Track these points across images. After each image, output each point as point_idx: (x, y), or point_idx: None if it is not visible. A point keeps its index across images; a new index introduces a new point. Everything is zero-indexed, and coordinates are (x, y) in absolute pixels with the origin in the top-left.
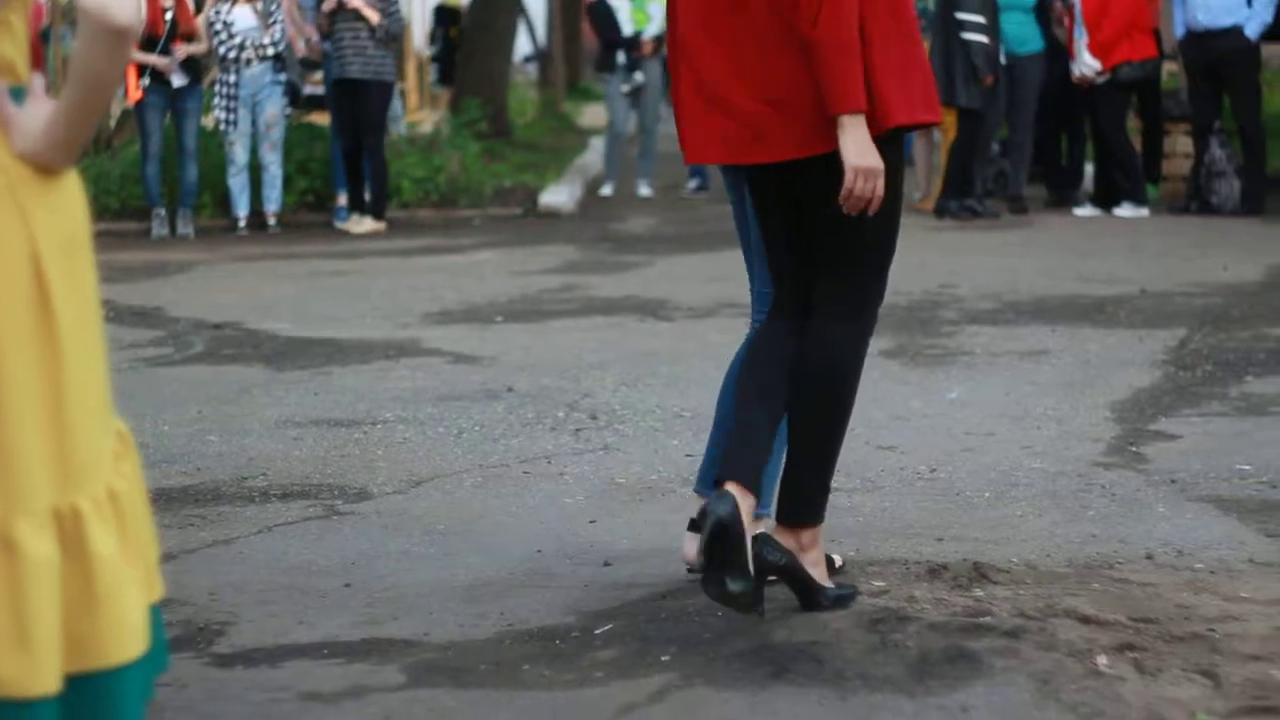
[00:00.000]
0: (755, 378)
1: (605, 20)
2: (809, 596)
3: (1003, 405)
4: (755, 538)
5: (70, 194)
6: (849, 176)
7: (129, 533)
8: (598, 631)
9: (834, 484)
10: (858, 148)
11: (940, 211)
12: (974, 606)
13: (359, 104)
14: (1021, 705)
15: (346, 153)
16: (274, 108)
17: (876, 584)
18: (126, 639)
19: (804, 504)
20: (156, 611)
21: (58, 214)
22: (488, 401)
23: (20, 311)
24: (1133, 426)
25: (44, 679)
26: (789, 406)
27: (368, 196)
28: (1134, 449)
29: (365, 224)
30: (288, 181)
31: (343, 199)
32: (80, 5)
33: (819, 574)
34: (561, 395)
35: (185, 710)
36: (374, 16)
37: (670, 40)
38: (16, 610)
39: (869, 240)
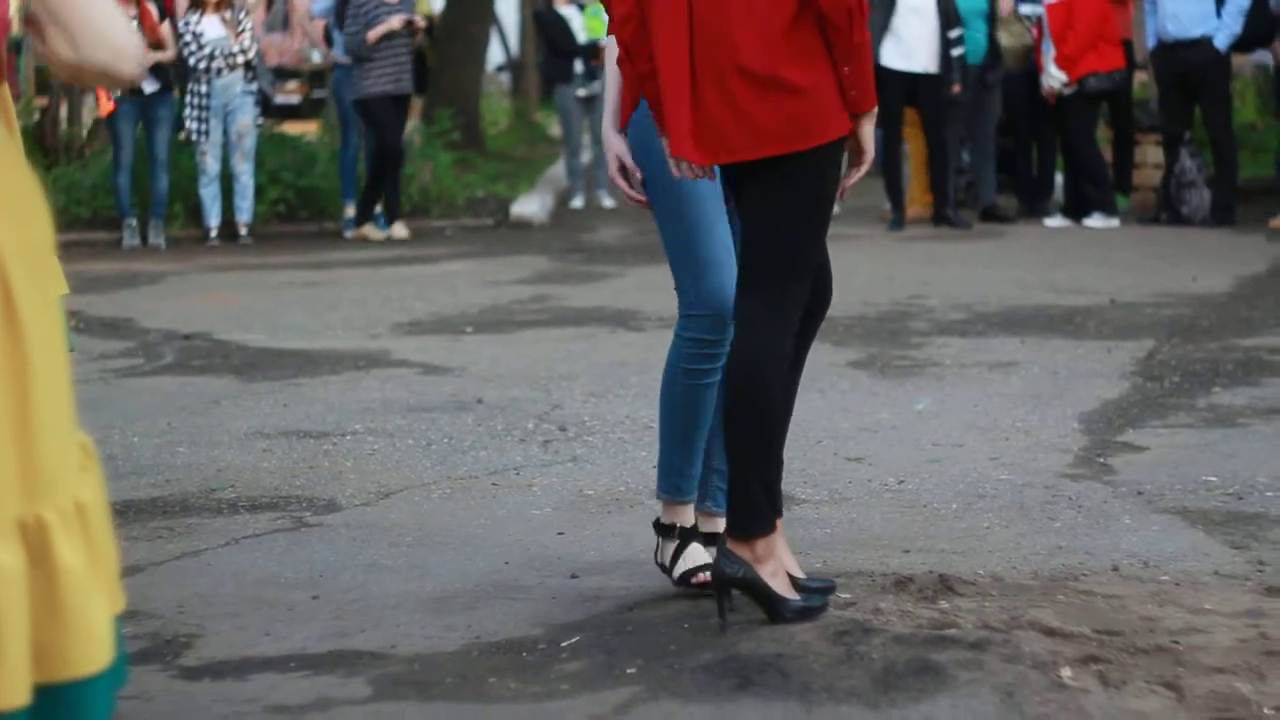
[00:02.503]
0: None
1: (559, 30)
2: (771, 608)
3: (971, 416)
4: (717, 550)
5: (32, 203)
6: (866, 168)
7: (95, 544)
8: (564, 644)
9: (801, 495)
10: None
11: (940, 219)
12: (939, 619)
13: (400, 116)
14: (985, 717)
15: (380, 164)
16: (245, 117)
17: (843, 596)
18: (94, 649)
19: (751, 514)
20: (117, 625)
21: (22, 224)
22: (457, 413)
23: None
24: (1100, 438)
25: (13, 691)
26: (722, 416)
27: (379, 207)
28: (1101, 460)
29: (400, 230)
30: (259, 191)
31: (351, 210)
32: (87, 63)
33: (779, 584)
34: (531, 406)
35: None
36: (420, 22)
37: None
38: None
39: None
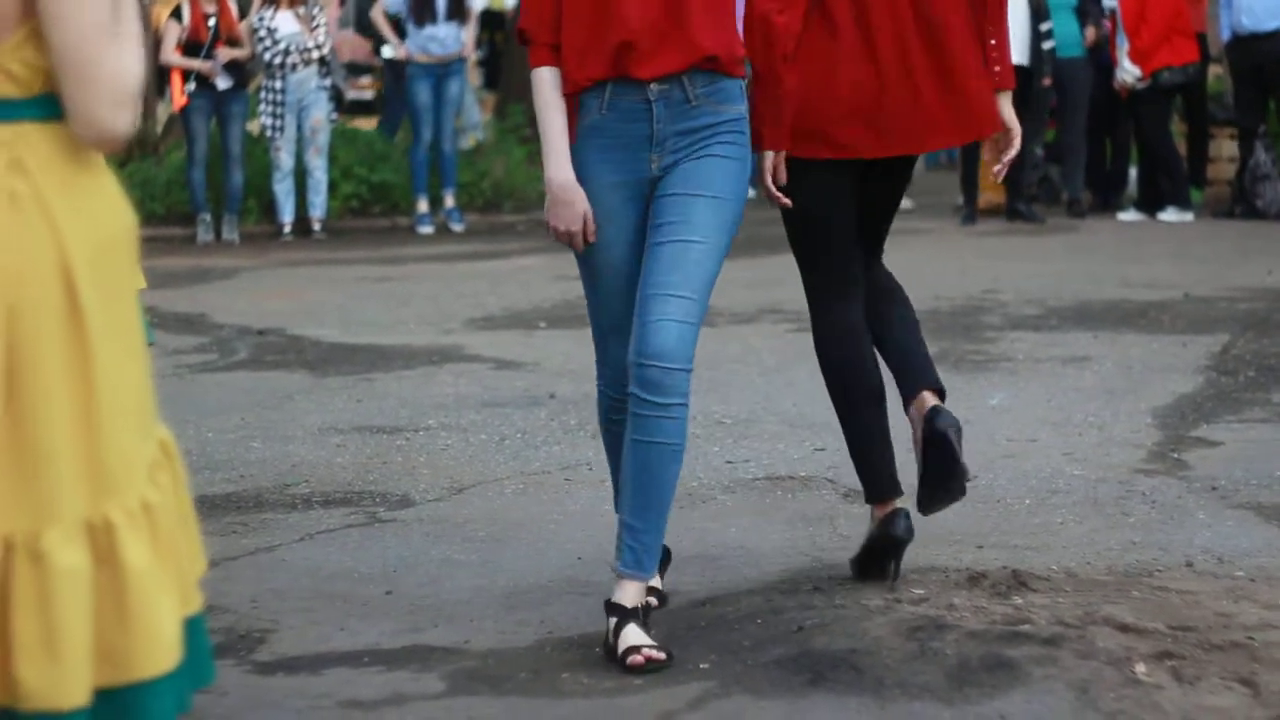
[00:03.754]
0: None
1: None
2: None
3: (1045, 411)
4: (930, 411)
5: (104, 200)
6: (1018, 144)
7: (162, 544)
8: None
9: None
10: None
11: (1013, 214)
12: (1013, 614)
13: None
14: (1059, 713)
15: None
16: (319, 113)
17: (916, 591)
18: (158, 652)
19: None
20: (200, 623)
21: (90, 221)
22: (530, 408)
23: (50, 321)
24: (1174, 433)
25: (73, 692)
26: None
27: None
28: (1175, 455)
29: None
30: (332, 187)
31: (424, 205)
32: (71, 115)
33: None
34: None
35: (226, 718)
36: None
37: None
38: (46, 622)
39: None
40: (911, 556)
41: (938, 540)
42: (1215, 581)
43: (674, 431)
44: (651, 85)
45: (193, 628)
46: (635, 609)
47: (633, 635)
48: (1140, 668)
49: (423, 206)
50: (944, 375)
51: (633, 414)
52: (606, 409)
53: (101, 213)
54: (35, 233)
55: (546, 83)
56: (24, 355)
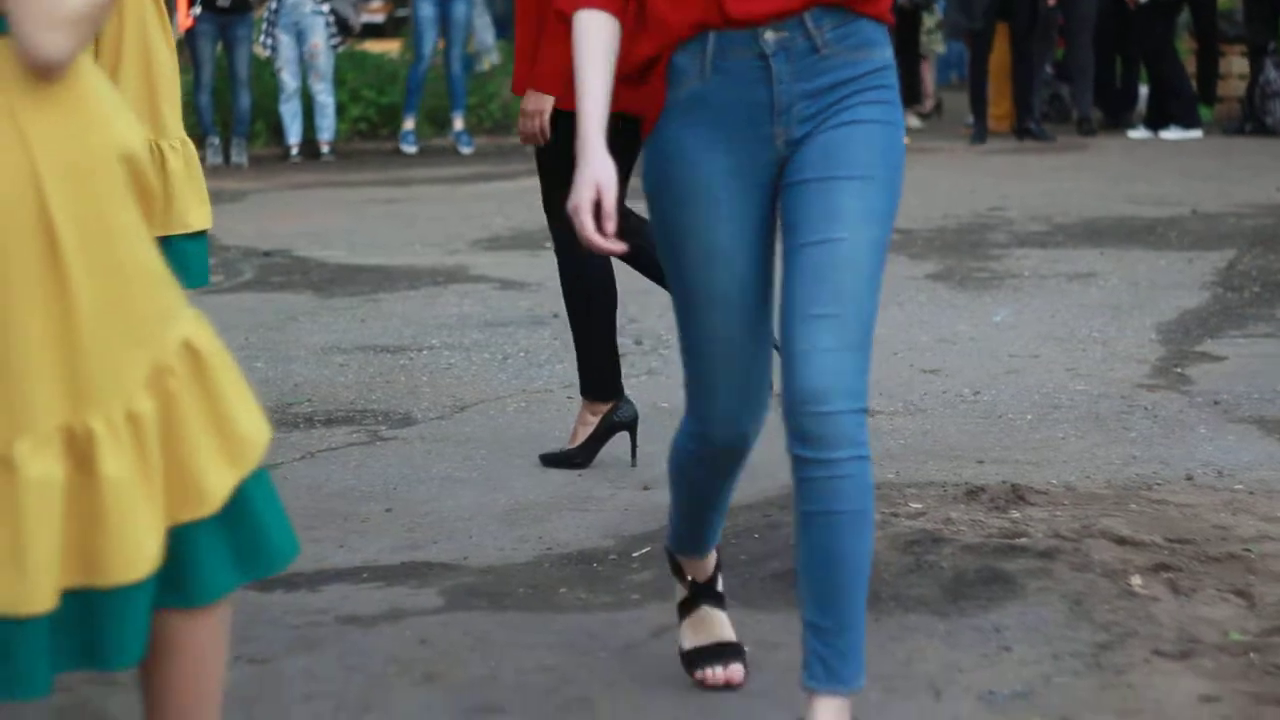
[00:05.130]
0: None
1: None
2: None
3: (1049, 327)
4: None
5: (87, 119)
6: None
7: (149, 454)
8: (635, 555)
9: (876, 406)
10: None
11: (1023, 132)
12: (1010, 528)
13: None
14: (1054, 625)
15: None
16: (316, 38)
17: (914, 506)
18: (133, 559)
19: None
20: (218, 539)
21: (66, 137)
22: (533, 327)
23: (21, 234)
24: (1178, 348)
25: (36, 598)
26: None
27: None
28: (1179, 370)
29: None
30: (341, 110)
31: (410, 123)
32: (13, 35)
33: None
34: None
35: None
36: None
37: None
38: (12, 530)
39: None
40: (910, 471)
41: (937, 456)
42: (1214, 495)
43: (851, 494)
44: (766, 34)
45: (237, 515)
46: None
47: None
48: (1136, 580)
49: (408, 124)
50: (949, 293)
51: (796, 480)
52: (684, 451)
53: (82, 131)
54: (5, 148)
55: (591, 29)
56: None
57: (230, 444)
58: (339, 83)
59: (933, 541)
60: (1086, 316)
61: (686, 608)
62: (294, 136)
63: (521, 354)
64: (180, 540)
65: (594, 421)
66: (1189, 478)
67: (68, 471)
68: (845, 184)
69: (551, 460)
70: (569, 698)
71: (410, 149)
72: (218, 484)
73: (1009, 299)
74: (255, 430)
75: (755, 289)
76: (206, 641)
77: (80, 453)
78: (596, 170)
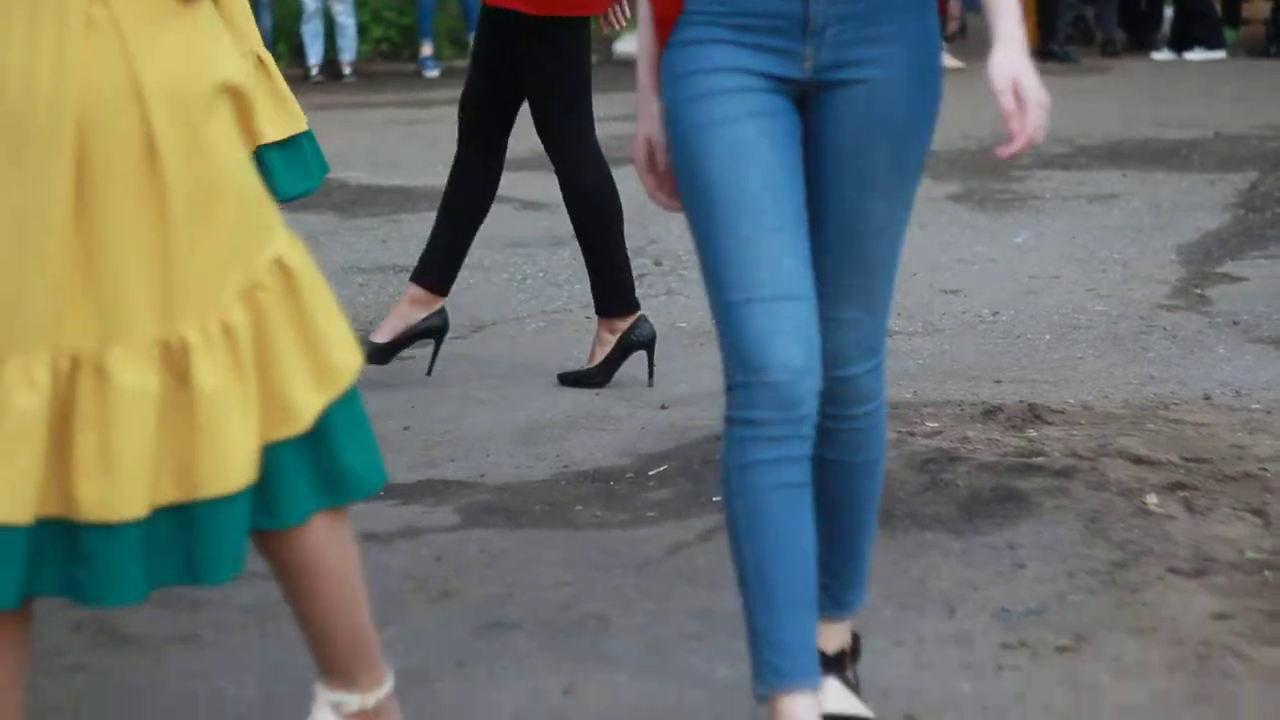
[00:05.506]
0: None
1: None
2: None
3: (1070, 249)
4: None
5: (187, 40)
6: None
7: (244, 367)
8: (652, 473)
9: (895, 326)
10: None
11: (1047, 54)
12: (1026, 447)
13: None
14: (1069, 543)
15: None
16: None
17: (931, 425)
18: (226, 472)
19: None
20: (301, 447)
21: (167, 58)
22: (553, 248)
23: (125, 140)
24: (1199, 269)
25: (126, 505)
26: None
27: (430, 49)
28: (1199, 291)
29: None
30: (363, 30)
31: (428, 48)
32: None
33: None
34: (628, 241)
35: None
36: None
37: None
38: (104, 438)
39: None
40: (928, 391)
41: (955, 375)
42: (1231, 414)
43: (867, 444)
44: None
45: (326, 436)
46: (838, 655)
47: (833, 695)
48: (1151, 498)
49: (426, 49)
50: (970, 214)
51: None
52: (741, 444)
53: (184, 54)
54: (109, 58)
55: None
56: (94, 175)
57: (320, 365)
58: (360, 4)
59: (949, 460)
60: (1107, 238)
61: None
62: (315, 57)
63: (540, 274)
64: (269, 459)
65: (611, 340)
66: (1206, 397)
67: (164, 384)
68: (878, 134)
69: (569, 379)
70: (584, 614)
71: (432, 73)
72: (306, 404)
73: (1030, 220)
74: (345, 353)
75: (790, 196)
76: (327, 557)
77: (176, 366)
78: (649, 127)
